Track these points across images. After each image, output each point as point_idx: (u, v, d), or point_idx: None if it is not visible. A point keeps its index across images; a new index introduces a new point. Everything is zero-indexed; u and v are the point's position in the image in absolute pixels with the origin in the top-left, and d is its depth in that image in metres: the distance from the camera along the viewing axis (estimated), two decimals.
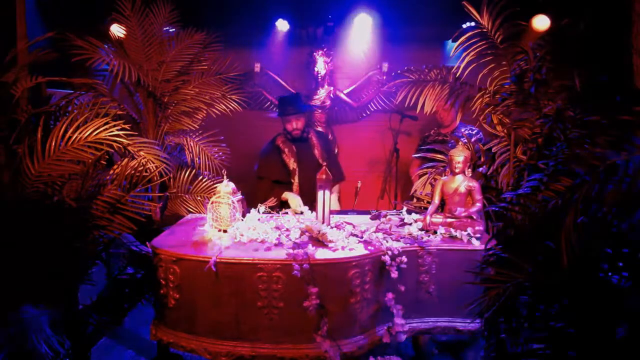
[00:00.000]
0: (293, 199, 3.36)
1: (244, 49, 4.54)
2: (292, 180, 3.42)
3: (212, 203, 2.54)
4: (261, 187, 3.59)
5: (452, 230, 2.44)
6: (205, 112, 3.33)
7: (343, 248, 2.26)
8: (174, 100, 3.24)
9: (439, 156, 3.09)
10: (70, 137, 2.28)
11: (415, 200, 3.07)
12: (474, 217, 2.46)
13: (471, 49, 2.81)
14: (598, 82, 2.45)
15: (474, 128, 4.08)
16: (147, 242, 2.32)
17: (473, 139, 3.82)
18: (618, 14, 2.80)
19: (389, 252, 2.19)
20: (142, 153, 2.74)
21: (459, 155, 2.49)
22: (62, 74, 2.59)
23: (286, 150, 3.56)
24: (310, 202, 2.95)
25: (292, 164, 3.51)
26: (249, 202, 2.84)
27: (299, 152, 3.56)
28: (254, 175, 3.69)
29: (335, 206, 3.56)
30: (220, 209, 2.53)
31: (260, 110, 5.01)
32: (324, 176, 2.56)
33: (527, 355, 1.74)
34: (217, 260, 2.11)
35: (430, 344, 2.84)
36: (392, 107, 4.79)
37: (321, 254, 2.17)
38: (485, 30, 2.77)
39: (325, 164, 3.36)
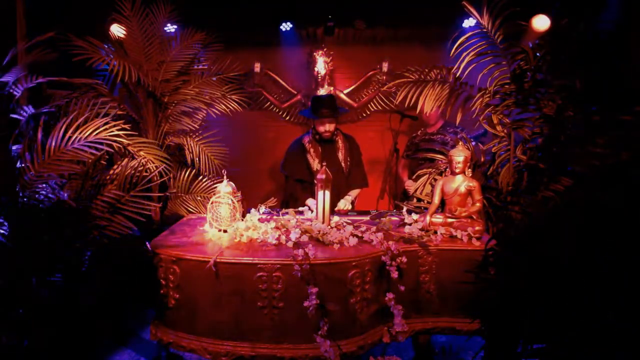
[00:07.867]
0: (313, 205, 3.37)
1: (244, 49, 4.54)
2: (315, 181, 3.48)
3: (212, 203, 2.55)
4: (287, 186, 3.66)
5: (452, 230, 2.45)
6: (205, 112, 3.33)
7: (343, 248, 2.27)
8: (174, 100, 3.24)
9: (430, 155, 3.10)
10: (70, 137, 2.28)
11: (415, 200, 3.07)
12: (474, 217, 2.46)
13: (471, 49, 2.81)
14: (598, 82, 2.45)
15: (458, 127, 4.09)
16: (147, 242, 2.32)
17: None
18: (618, 14, 2.80)
19: (389, 252, 2.19)
20: (142, 153, 2.74)
21: (459, 155, 2.49)
22: (62, 74, 2.59)
23: (312, 150, 3.58)
24: (330, 204, 2.96)
25: (315, 165, 3.53)
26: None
27: (324, 153, 3.58)
28: (279, 170, 3.79)
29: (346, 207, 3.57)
30: (220, 209, 2.53)
31: (261, 110, 5.02)
32: (323, 176, 2.56)
33: (527, 355, 1.73)
34: (217, 260, 2.11)
35: (430, 344, 2.83)
36: (392, 107, 4.80)
37: (321, 254, 2.17)
38: (485, 30, 2.78)
39: (347, 167, 3.37)
